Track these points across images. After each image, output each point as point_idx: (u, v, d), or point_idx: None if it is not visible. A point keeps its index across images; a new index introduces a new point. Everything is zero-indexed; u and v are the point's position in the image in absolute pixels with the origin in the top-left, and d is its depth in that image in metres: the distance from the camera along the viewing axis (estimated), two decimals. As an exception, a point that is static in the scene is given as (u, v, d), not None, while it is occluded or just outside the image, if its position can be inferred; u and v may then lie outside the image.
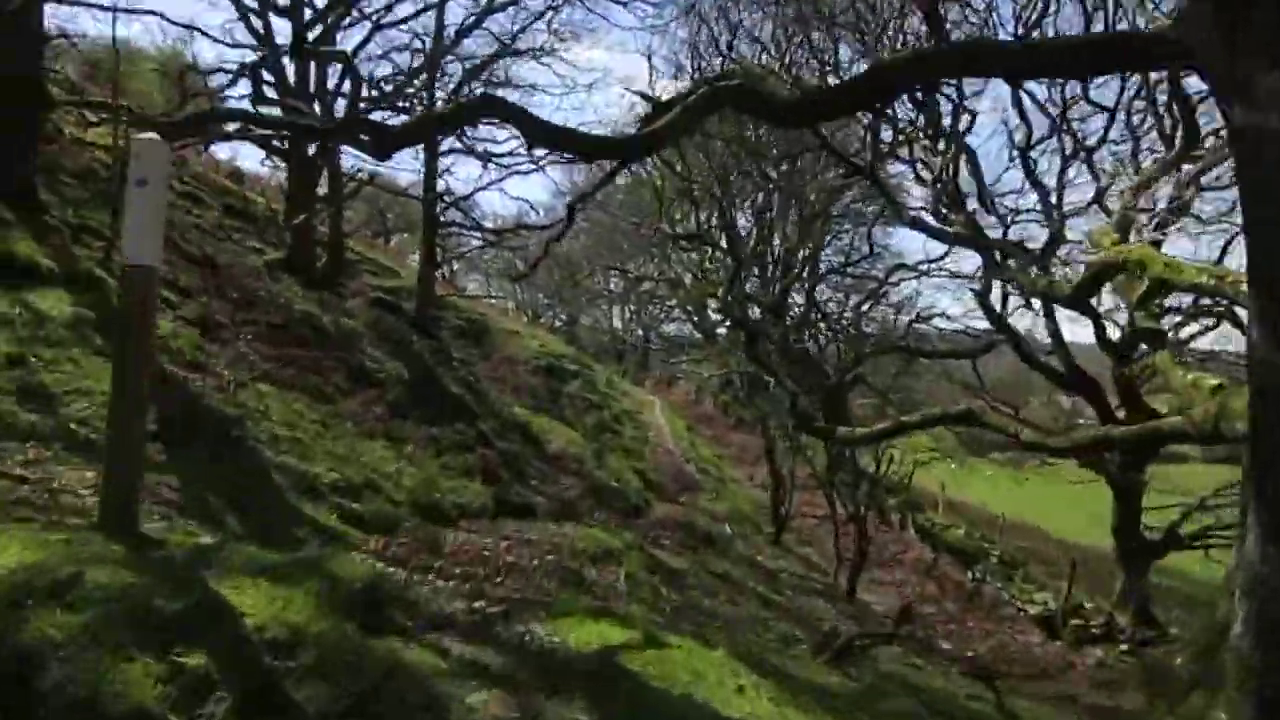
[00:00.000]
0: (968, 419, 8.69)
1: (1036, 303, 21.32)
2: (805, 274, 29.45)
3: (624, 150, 5.71)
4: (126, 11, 13.04)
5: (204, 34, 17.26)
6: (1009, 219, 22.35)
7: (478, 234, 27.93)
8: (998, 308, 19.82)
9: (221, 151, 29.64)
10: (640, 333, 56.13)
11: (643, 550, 10.94)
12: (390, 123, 16.01)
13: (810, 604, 13.98)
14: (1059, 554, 34.05)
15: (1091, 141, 19.12)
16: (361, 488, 7.96)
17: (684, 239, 23.05)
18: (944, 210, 16.61)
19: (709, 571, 12.13)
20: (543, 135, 5.44)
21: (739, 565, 14.28)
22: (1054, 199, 20.39)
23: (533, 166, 21.61)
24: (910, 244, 72.89)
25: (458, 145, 22.64)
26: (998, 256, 13.39)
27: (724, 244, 21.43)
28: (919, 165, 20.08)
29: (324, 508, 7.05)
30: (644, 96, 9.03)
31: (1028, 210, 24.41)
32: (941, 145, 18.44)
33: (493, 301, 43.03)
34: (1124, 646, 18.55)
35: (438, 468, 10.65)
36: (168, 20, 13.12)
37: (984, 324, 26.42)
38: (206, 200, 20.44)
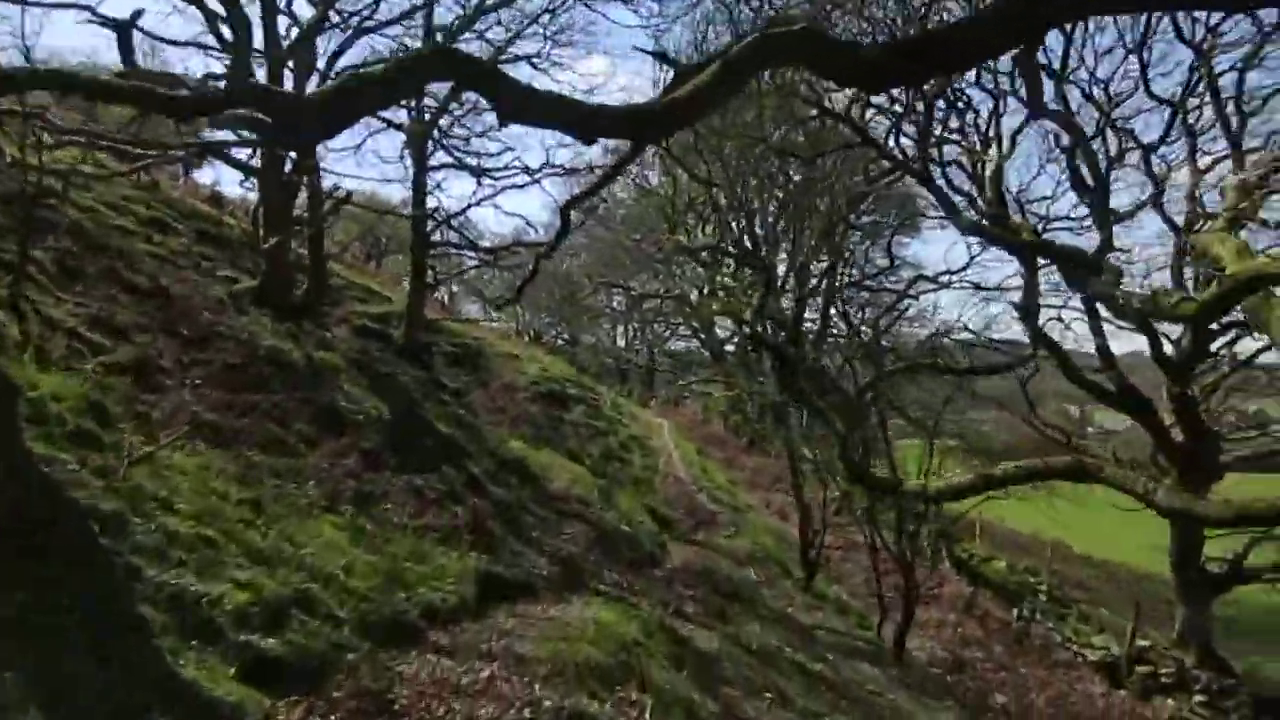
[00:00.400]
0: (1078, 474, 6.84)
1: (1068, 315, 19.64)
2: (823, 287, 27.75)
3: (642, 123, 3.90)
4: (39, 5, 11.33)
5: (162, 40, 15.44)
6: (1040, 227, 20.68)
7: (472, 253, 26.28)
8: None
9: (204, 176, 28.02)
10: (645, 351, 54.35)
11: (664, 628, 9.09)
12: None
13: (857, 670, 12.11)
14: (1099, 580, 31.93)
15: (1150, 139, 17.51)
16: (289, 606, 5.83)
17: (699, 252, 21.20)
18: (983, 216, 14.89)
19: (742, 646, 10.26)
20: (521, 103, 3.65)
21: (771, 627, 12.41)
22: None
23: (529, 179, 19.93)
24: (928, 255, 70.81)
25: (448, 159, 20.99)
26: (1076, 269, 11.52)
27: (743, 257, 19.58)
28: (948, 168, 18.38)
29: (218, 654, 4.98)
30: (663, 58, 7.11)
31: (1063, 217, 22.72)
32: (978, 145, 16.75)
33: (492, 325, 41.21)
34: (1200, 698, 16.63)
35: (412, 538, 8.78)
36: (102, 21, 11.33)
37: (1003, 336, 24.56)
38: (176, 226, 18.74)
